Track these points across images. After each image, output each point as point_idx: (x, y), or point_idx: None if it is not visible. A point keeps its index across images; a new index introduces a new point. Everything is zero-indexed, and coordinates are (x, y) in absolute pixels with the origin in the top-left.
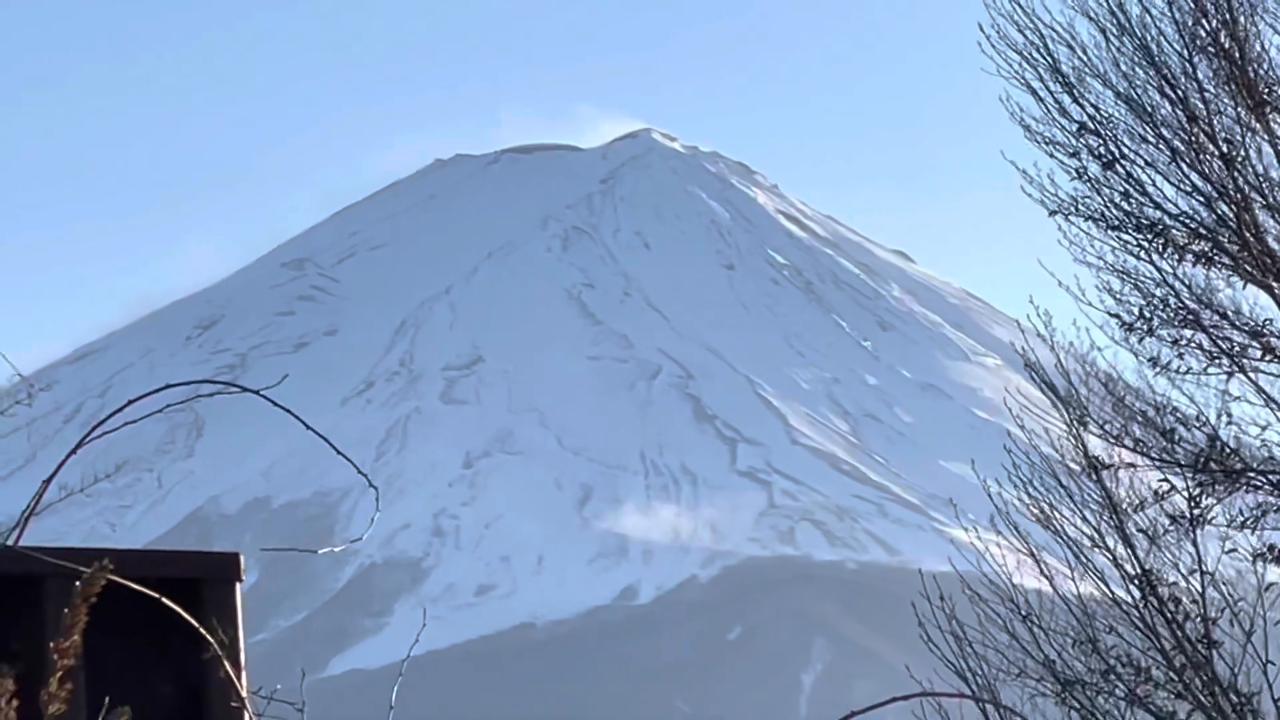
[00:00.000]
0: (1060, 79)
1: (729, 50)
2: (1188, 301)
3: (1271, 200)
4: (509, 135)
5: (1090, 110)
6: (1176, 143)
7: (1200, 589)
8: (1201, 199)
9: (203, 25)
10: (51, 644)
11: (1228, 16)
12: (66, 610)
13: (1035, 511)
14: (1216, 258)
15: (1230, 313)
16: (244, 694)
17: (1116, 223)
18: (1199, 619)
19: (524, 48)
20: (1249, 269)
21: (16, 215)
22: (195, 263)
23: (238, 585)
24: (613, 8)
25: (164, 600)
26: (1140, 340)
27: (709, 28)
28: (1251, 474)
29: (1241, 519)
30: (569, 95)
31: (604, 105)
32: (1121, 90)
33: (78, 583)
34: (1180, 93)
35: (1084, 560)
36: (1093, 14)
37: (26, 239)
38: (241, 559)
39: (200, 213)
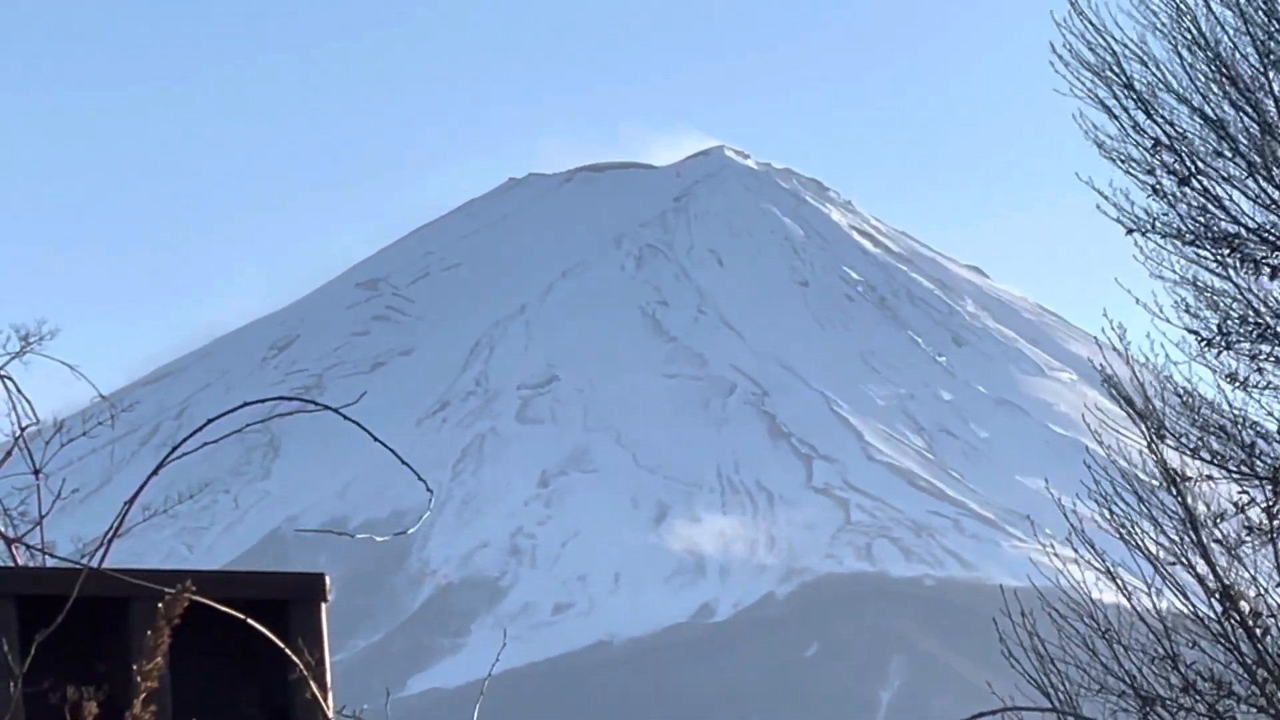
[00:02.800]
0: (1134, 95)
1: (799, 67)
2: (1265, 316)
3: None
4: (549, 161)
5: (1165, 126)
6: (1253, 156)
7: None
8: (1279, 213)
9: (246, 54)
10: (135, 666)
11: None
12: (150, 632)
13: (1116, 527)
14: None
15: None
16: (330, 714)
17: (1193, 238)
18: None
19: (559, 71)
20: None
21: (73, 241)
22: (245, 294)
23: (323, 606)
24: (664, 26)
25: (250, 621)
26: (1218, 355)
27: (777, 42)
28: None
29: None
30: (612, 115)
31: (654, 123)
32: (1196, 105)
33: (160, 604)
34: (1255, 106)
35: (1164, 575)
36: (1165, 30)
37: (79, 266)
38: (327, 579)
39: (246, 243)
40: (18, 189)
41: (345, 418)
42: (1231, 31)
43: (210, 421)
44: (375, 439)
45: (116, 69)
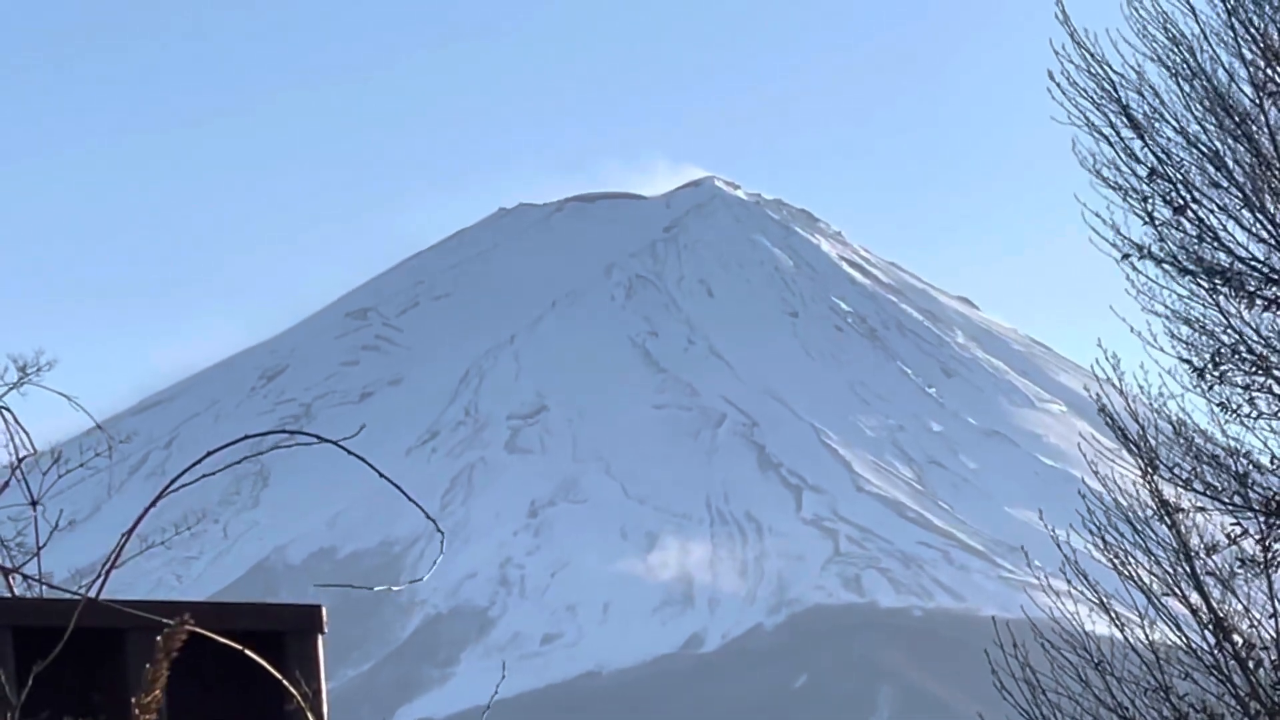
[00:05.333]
0: (1131, 124)
1: (787, 98)
2: (1258, 347)
3: None
4: (536, 192)
5: (1160, 155)
6: (1247, 187)
7: (1274, 633)
8: (1273, 244)
9: (237, 88)
10: (133, 699)
11: None
12: (148, 665)
13: (1110, 558)
14: None
15: None
16: None
17: (1187, 268)
18: (1273, 664)
19: (546, 102)
20: None
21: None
22: (233, 324)
23: (320, 637)
24: (651, 58)
25: (248, 652)
26: (1211, 386)
27: (764, 73)
28: None
29: None
30: (599, 147)
31: (642, 154)
32: (1192, 135)
33: (158, 637)
34: (1250, 138)
35: (1157, 606)
36: (1163, 59)
37: (65, 295)
38: (324, 611)
39: (235, 274)
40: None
41: (349, 452)
42: (1227, 63)
43: (210, 454)
44: (387, 479)
45: (114, 96)
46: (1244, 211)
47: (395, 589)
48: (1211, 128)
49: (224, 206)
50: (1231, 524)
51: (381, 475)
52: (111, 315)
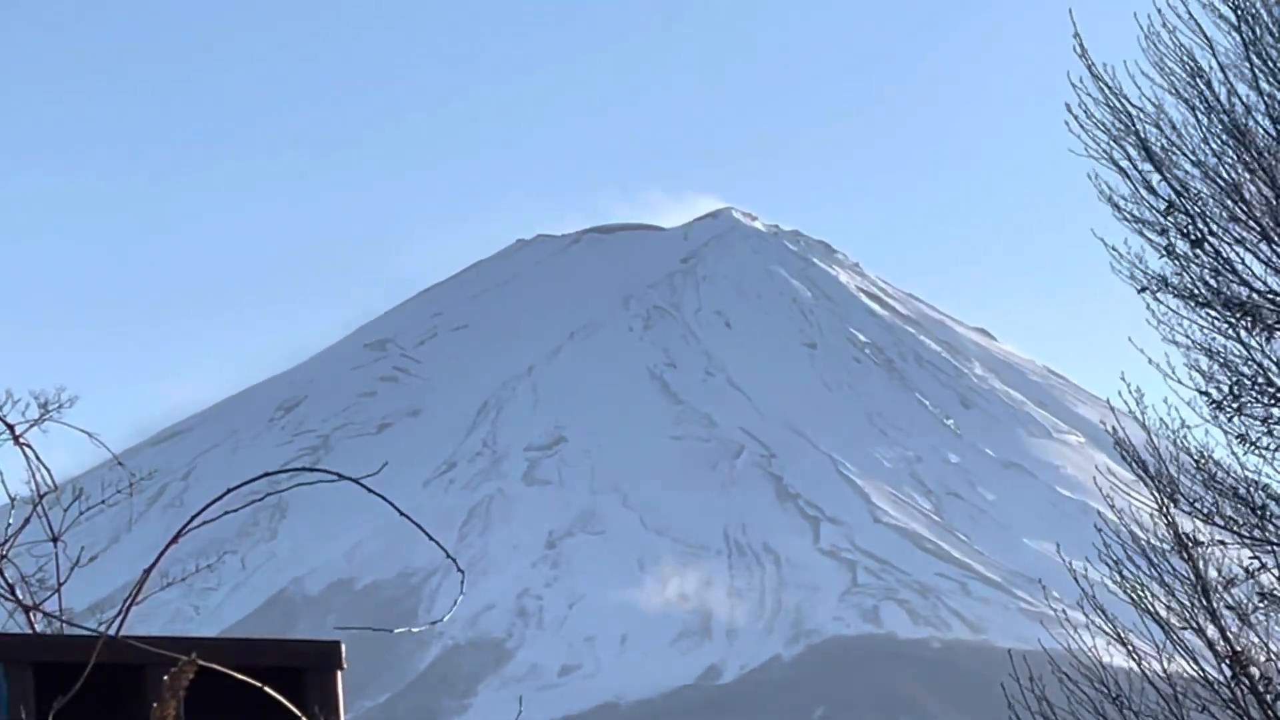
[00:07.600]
0: (1149, 157)
1: (805, 129)
2: (1277, 379)
3: None
4: (560, 224)
5: (1178, 188)
6: (1266, 220)
7: None
8: None
9: (259, 122)
10: None
11: None
12: (155, 705)
13: (1127, 592)
14: None
15: None
16: None
17: (1205, 300)
18: None
19: (538, 137)
20: None
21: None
22: (250, 358)
23: (339, 673)
24: (667, 89)
25: (267, 689)
26: (1230, 418)
27: (781, 105)
28: None
29: None
30: (589, 182)
31: (660, 187)
32: (1210, 168)
33: (165, 676)
34: (1269, 170)
35: (1174, 639)
36: (1181, 93)
37: (86, 326)
38: (343, 647)
39: (252, 307)
40: (23, 257)
41: (369, 490)
42: (1245, 96)
43: (230, 490)
44: (408, 518)
45: (125, 127)
46: (1262, 245)
47: (415, 630)
48: (1229, 161)
49: (225, 242)
50: (1250, 558)
51: (402, 514)
52: (119, 349)
